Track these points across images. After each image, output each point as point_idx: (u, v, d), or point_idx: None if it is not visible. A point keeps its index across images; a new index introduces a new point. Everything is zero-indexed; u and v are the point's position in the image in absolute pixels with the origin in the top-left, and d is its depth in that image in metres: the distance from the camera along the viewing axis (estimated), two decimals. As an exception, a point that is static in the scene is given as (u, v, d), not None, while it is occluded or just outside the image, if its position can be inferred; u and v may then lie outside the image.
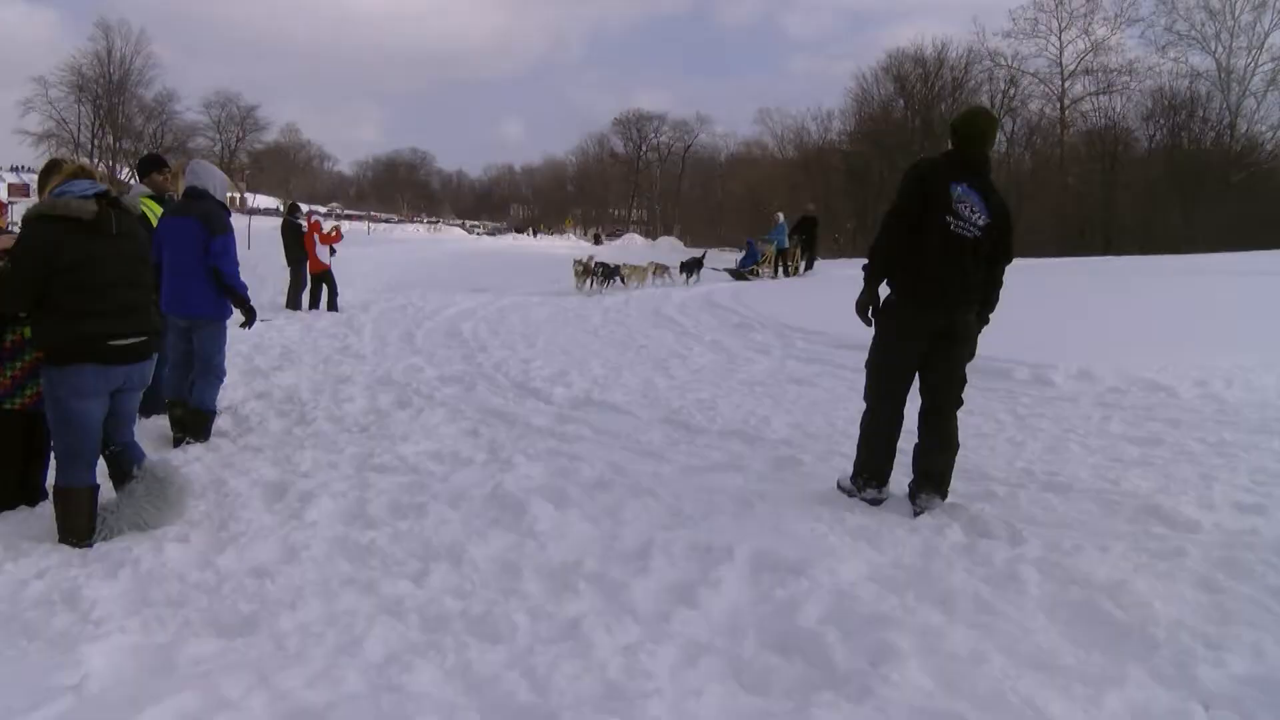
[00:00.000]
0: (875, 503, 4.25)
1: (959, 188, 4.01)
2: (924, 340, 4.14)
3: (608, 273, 17.33)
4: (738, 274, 19.80)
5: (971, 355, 4.29)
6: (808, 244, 21.78)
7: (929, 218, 4.01)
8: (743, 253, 21.46)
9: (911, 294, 4.13)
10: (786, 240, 21.04)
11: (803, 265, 21.47)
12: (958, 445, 4.28)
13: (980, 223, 4.03)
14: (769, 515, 4.12)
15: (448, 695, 2.61)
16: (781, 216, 21.94)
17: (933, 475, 4.20)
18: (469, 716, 2.49)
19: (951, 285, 4.07)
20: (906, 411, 4.31)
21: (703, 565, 3.49)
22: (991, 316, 4.33)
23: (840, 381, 7.74)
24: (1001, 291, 4.31)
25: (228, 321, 5.77)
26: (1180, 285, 14.51)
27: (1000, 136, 52.64)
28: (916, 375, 4.25)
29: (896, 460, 4.32)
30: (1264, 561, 3.48)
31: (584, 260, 17.14)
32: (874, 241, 4.22)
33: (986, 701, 2.50)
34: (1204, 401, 6.76)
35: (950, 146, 4.18)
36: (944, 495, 4.20)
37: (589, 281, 16.91)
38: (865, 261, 4.22)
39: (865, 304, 4.25)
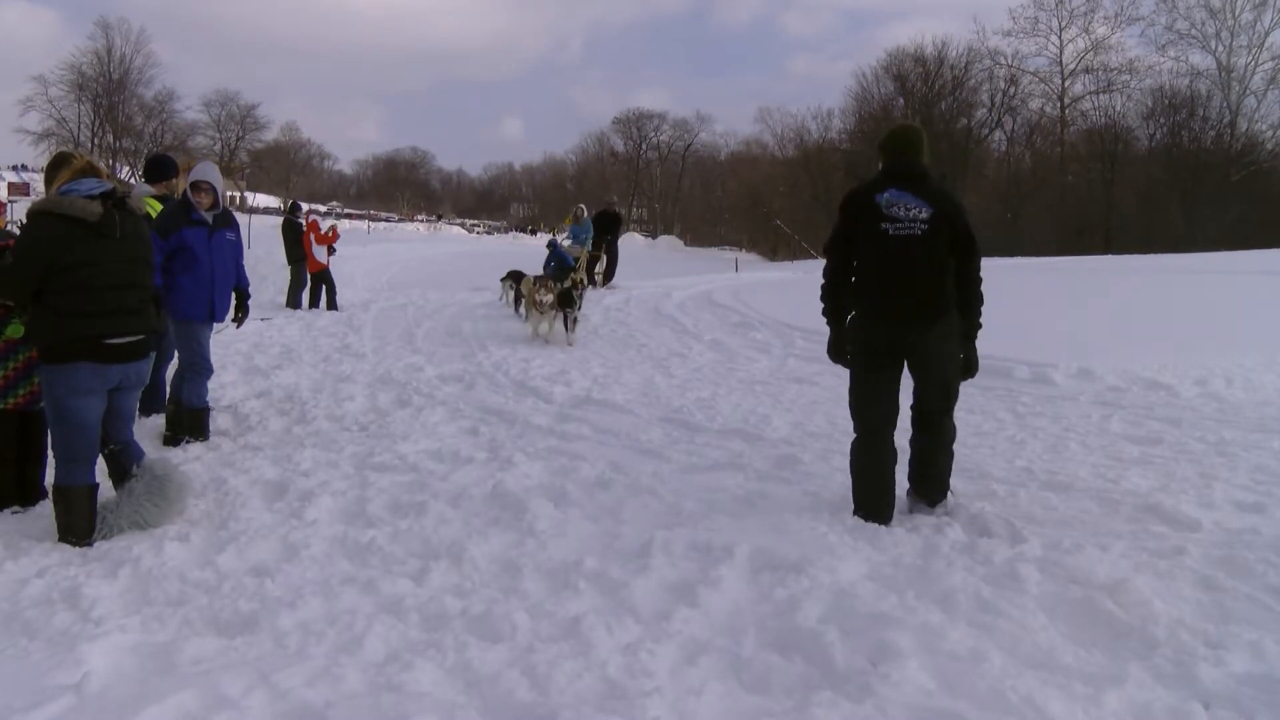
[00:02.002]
0: None
1: (885, 194, 3.88)
2: (890, 359, 3.98)
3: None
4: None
5: (969, 370, 4.07)
6: (609, 247, 17.15)
7: (863, 235, 3.90)
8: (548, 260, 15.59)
9: (863, 313, 4.02)
10: (590, 243, 16.56)
11: (599, 273, 16.73)
12: (952, 443, 4.14)
13: (923, 216, 3.83)
14: (769, 514, 4.12)
15: (448, 694, 2.61)
16: (585, 211, 17.38)
17: (929, 475, 4.11)
18: (469, 715, 2.49)
19: (902, 295, 3.88)
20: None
21: (703, 564, 3.49)
22: (981, 321, 4.04)
23: (841, 380, 7.66)
24: (983, 290, 4.01)
25: (215, 322, 5.76)
26: (1180, 285, 14.52)
27: (1000, 135, 52.80)
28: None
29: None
30: (1264, 560, 3.48)
31: (549, 285, 10.58)
32: (821, 283, 4.13)
33: (986, 701, 2.50)
34: (1204, 400, 6.77)
35: (880, 168, 4.06)
36: (944, 495, 4.12)
37: (563, 319, 10.36)
38: (821, 306, 4.13)
39: (835, 344, 4.14)
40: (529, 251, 25.38)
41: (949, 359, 4.00)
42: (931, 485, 4.11)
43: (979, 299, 4.00)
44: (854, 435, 4.14)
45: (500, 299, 13.76)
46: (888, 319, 3.94)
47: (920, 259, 3.84)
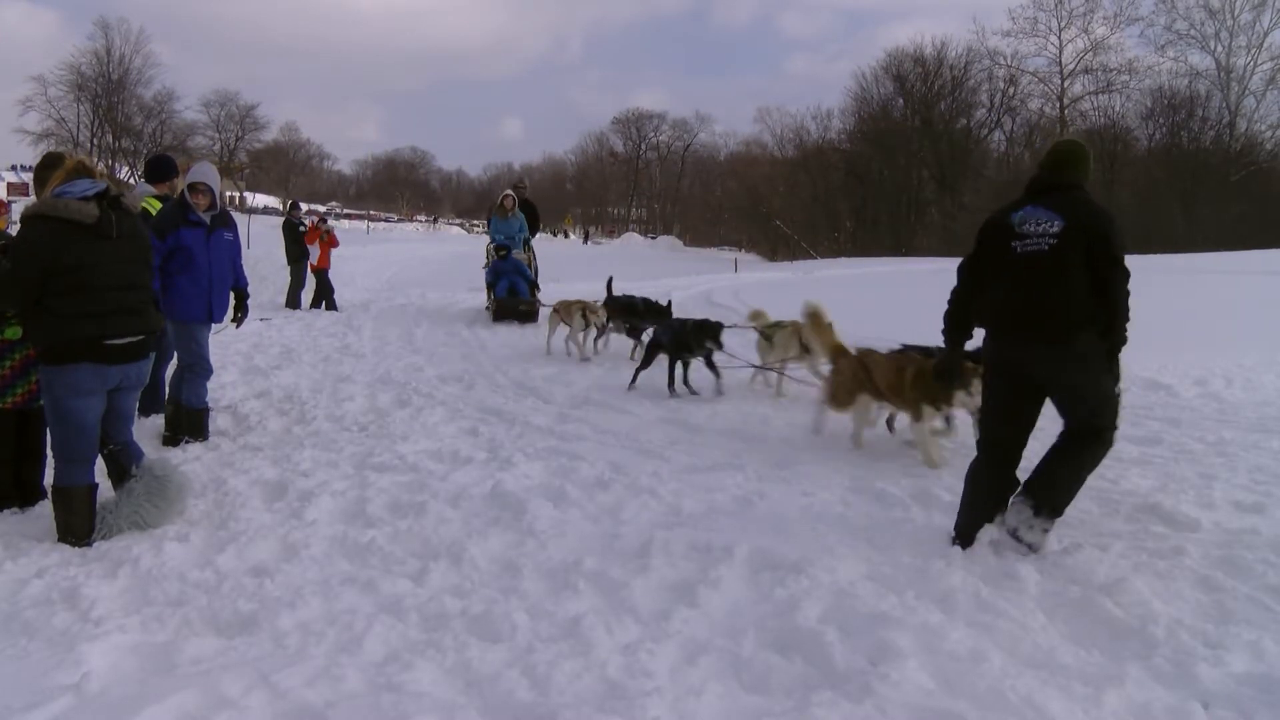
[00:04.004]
0: None
1: (1020, 212, 3.65)
2: (1021, 382, 3.69)
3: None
4: (513, 308, 11.88)
5: (1111, 382, 3.67)
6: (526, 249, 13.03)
7: (994, 256, 3.71)
8: (491, 272, 12.48)
9: (989, 333, 3.80)
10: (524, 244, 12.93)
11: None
12: (1088, 461, 3.61)
13: (1053, 230, 3.54)
14: (768, 514, 4.12)
15: (447, 694, 2.61)
16: (515, 201, 12.88)
17: (1033, 482, 3.58)
18: (469, 715, 2.49)
19: (1024, 313, 3.60)
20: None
21: (702, 564, 3.49)
22: (1126, 337, 3.66)
23: (840, 380, 7.72)
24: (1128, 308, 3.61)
25: (213, 323, 5.76)
26: (1180, 285, 14.51)
27: (999, 135, 52.82)
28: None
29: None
30: (1263, 560, 3.48)
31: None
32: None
33: (986, 700, 2.50)
34: (1203, 400, 6.76)
35: None
36: (1039, 512, 3.53)
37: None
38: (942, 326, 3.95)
39: (942, 368, 4.01)
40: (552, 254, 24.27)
41: (1087, 381, 3.62)
42: (1039, 486, 3.59)
43: (1121, 317, 3.59)
44: (977, 450, 3.89)
45: (572, 350, 9.23)
46: (1009, 337, 3.70)
47: (1045, 275, 3.55)
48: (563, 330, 9.28)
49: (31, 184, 4.17)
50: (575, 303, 9.31)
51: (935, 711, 2.45)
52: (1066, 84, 49.26)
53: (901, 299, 13.61)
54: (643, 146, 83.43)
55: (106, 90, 56.18)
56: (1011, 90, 50.73)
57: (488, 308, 12.58)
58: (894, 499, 4.34)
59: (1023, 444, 3.79)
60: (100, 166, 3.97)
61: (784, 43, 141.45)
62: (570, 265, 22.83)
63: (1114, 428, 3.65)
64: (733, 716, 2.52)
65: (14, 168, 56.45)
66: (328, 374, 7.98)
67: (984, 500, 3.70)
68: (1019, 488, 3.67)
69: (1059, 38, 48.97)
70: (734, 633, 2.97)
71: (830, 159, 54.88)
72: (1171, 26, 45.28)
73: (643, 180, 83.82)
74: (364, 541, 3.81)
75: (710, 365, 7.19)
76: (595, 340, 9.35)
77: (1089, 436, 3.62)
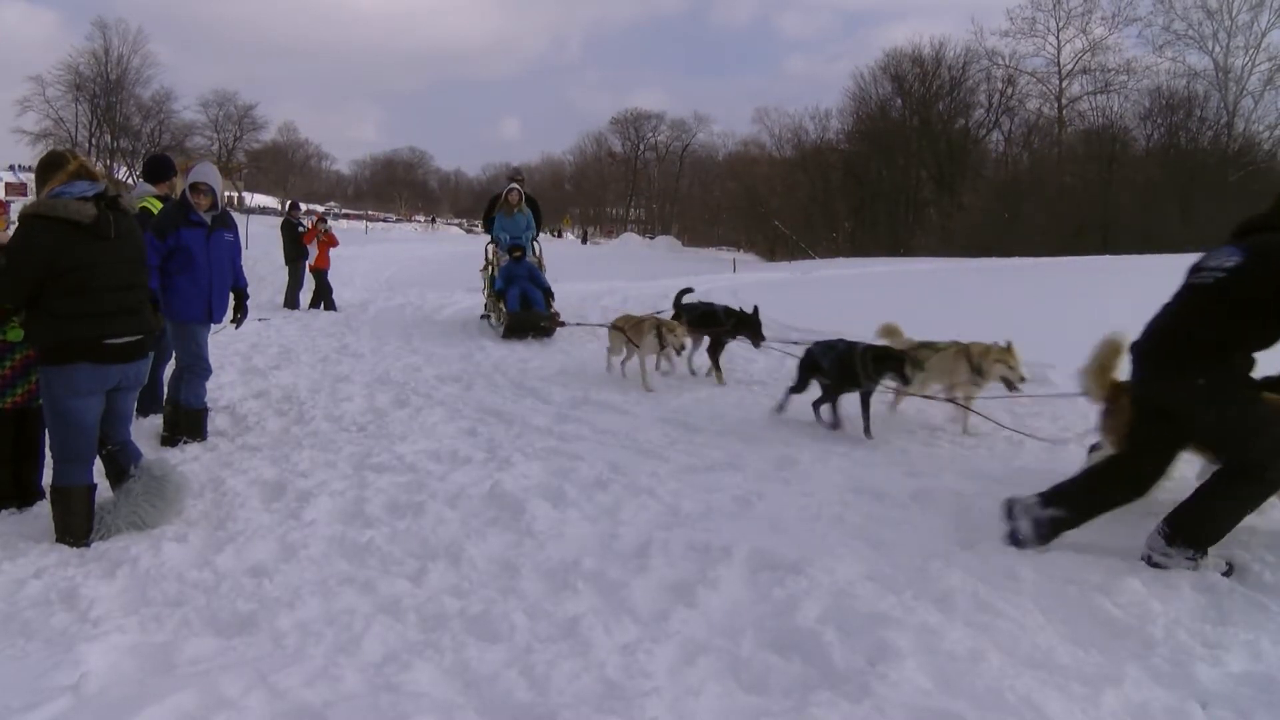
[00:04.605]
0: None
1: (1214, 250, 3.47)
2: (1161, 419, 3.55)
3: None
4: (531, 324, 10.25)
5: (1254, 414, 3.35)
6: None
7: (1179, 290, 3.57)
8: (502, 278, 10.83)
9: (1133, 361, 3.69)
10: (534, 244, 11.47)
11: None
12: (1235, 501, 3.38)
13: (1228, 264, 3.32)
14: (767, 514, 4.13)
15: (446, 694, 2.62)
16: (521, 195, 11.38)
17: (1173, 511, 3.43)
18: (467, 715, 2.49)
19: (1153, 344, 3.50)
20: None
21: (701, 564, 3.49)
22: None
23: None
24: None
25: (212, 323, 5.76)
26: (1178, 285, 14.52)
27: (998, 136, 52.88)
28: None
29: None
30: (1260, 560, 3.48)
31: None
32: None
33: (984, 700, 2.50)
34: (1201, 401, 6.76)
35: None
36: (1171, 541, 3.36)
37: None
38: None
39: None
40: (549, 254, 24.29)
41: (1221, 416, 3.39)
42: (1174, 515, 3.43)
43: None
44: None
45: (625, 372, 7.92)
46: (1140, 369, 3.62)
47: (1192, 307, 3.42)
48: (635, 351, 7.66)
49: (33, 182, 4.16)
50: (646, 319, 7.72)
51: (934, 711, 2.45)
52: (1065, 84, 49.41)
53: (901, 299, 13.62)
54: (641, 147, 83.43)
55: (105, 90, 56.26)
56: (1010, 90, 50.84)
57: (484, 316, 11.34)
58: (893, 499, 4.34)
59: (1156, 475, 3.65)
60: (99, 168, 3.97)
61: (783, 43, 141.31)
62: (569, 265, 22.81)
63: (1271, 465, 3.32)
64: (731, 716, 2.52)
65: (12, 168, 56.41)
66: (326, 374, 7.98)
67: (1086, 498, 3.63)
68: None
69: (1057, 38, 49.13)
70: (732, 633, 2.97)
71: (828, 159, 54.94)
72: (1169, 27, 45.42)
73: (641, 180, 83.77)
74: (362, 542, 3.81)
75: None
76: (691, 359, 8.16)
77: (1236, 473, 3.41)
